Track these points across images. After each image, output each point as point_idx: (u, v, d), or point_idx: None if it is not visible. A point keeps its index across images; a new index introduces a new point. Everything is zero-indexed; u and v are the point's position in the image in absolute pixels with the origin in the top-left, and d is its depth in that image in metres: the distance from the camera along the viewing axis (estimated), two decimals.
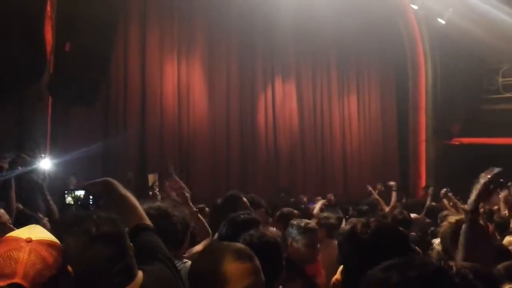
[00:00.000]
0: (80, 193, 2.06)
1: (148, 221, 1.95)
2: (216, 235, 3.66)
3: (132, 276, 1.61)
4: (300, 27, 11.25)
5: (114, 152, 8.90)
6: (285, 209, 4.51)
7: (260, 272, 1.51)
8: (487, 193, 2.42)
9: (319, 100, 12.72)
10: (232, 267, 1.45)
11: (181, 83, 10.05)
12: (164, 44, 9.77)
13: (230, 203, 3.88)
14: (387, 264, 1.17)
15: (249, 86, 11.31)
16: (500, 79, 13.65)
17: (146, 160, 9.21)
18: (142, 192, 5.54)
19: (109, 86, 8.83)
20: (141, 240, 1.81)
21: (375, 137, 13.76)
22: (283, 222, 3.96)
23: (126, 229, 1.71)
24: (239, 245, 1.58)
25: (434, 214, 5.90)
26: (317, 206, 6.57)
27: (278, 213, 4.43)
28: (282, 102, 11.88)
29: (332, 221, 4.51)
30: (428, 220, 6.29)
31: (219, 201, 4.25)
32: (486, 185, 2.42)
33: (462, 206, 6.96)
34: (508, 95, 13.45)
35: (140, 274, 1.65)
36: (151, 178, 6.99)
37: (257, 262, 1.52)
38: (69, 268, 1.42)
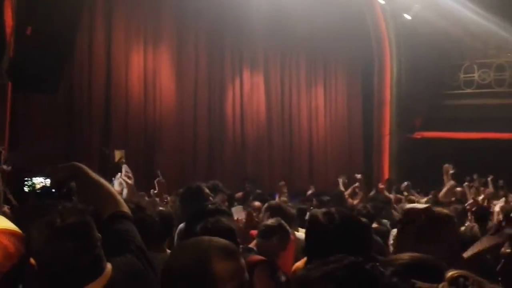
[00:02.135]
0: (40, 180, 1.92)
1: (125, 208, 1.84)
2: (180, 226, 3.66)
3: (100, 269, 1.55)
4: (269, 19, 11.23)
5: (78, 141, 8.71)
6: (273, 202, 4.53)
7: (245, 270, 1.46)
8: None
9: (287, 92, 12.78)
10: (220, 267, 1.39)
11: (148, 70, 9.90)
12: (131, 30, 9.58)
13: (192, 194, 3.87)
14: (314, 263, 1.19)
15: (218, 76, 11.25)
16: (462, 75, 14.07)
17: (110, 149, 9.04)
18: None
19: (72, 73, 8.61)
20: (115, 229, 1.73)
21: (340, 130, 13.96)
22: (273, 214, 3.98)
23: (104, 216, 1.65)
24: (224, 241, 1.48)
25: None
26: (277, 197, 6.63)
27: (266, 205, 4.43)
28: (250, 93, 11.88)
29: (292, 211, 4.50)
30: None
31: (180, 191, 4.22)
32: None
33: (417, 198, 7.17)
34: (469, 90, 13.89)
35: (109, 267, 1.59)
36: (118, 154, 6.84)
37: (242, 260, 1.46)
38: (32, 260, 1.38)
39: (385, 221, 5.52)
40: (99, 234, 1.59)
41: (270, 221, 3.46)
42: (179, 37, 10.42)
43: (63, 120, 8.61)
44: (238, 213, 4.12)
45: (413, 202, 6.52)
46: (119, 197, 1.88)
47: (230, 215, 3.09)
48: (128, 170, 4.30)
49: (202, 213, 3.01)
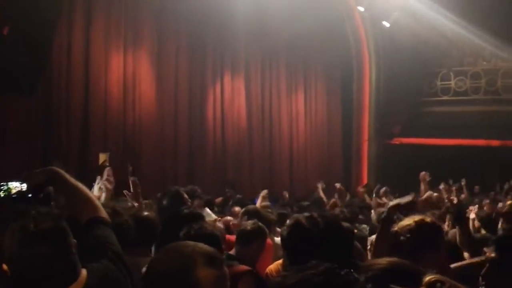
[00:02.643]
0: (16, 185, 1.86)
1: (104, 213, 1.82)
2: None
3: (74, 275, 1.52)
4: (250, 24, 11.28)
5: (55, 145, 8.55)
6: (251, 207, 4.52)
7: (228, 278, 1.45)
8: (407, 207, 2.59)
9: (267, 98, 12.82)
10: (204, 273, 1.38)
11: (127, 73, 9.80)
12: (110, 33, 9.47)
13: (170, 199, 3.84)
14: (290, 269, 1.20)
15: (198, 80, 11.21)
16: (439, 83, 14.34)
17: (88, 153, 8.91)
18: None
19: (50, 74, 8.45)
20: (93, 234, 1.71)
21: (320, 136, 14.06)
22: (250, 219, 3.96)
23: (82, 222, 1.62)
24: (208, 248, 1.47)
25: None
26: (259, 200, 6.61)
27: (243, 209, 4.41)
28: (230, 98, 11.87)
29: (271, 216, 4.49)
30: (361, 217, 6.49)
31: (158, 195, 4.18)
32: (411, 203, 2.59)
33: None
34: (445, 98, 14.15)
35: (84, 273, 1.56)
36: (102, 157, 6.73)
37: (226, 268, 1.45)
38: (5, 266, 1.34)
39: (364, 226, 5.56)
40: (74, 240, 1.57)
41: (248, 225, 3.42)
42: (159, 40, 10.35)
43: (40, 123, 8.44)
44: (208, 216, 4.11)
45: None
46: (97, 202, 1.87)
47: (204, 220, 3.07)
48: (110, 174, 4.24)
49: (178, 218, 2.99)
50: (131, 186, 3.75)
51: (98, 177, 4.99)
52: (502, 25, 13.78)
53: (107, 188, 3.78)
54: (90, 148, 8.96)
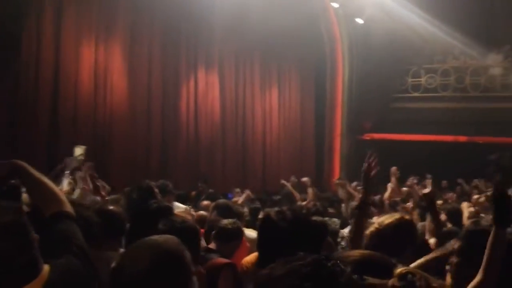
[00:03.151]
0: None
1: (68, 208, 1.78)
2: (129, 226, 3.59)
3: (36, 271, 1.49)
4: (226, 19, 11.21)
5: (23, 139, 8.35)
6: (221, 201, 4.54)
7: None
8: (370, 182, 2.66)
9: (241, 92, 12.82)
10: (188, 259, 1.46)
11: (99, 66, 9.63)
12: (82, 24, 9.29)
13: (142, 194, 3.82)
14: (277, 261, 1.24)
15: (172, 73, 11.11)
16: (410, 80, 14.60)
17: (58, 146, 8.73)
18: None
19: (18, 67, 8.25)
20: (57, 229, 1.68)
21: (293, 131, 14.15)
22: (220, 213, 3.96)
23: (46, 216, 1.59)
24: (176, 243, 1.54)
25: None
26: (242, 199, 6.68)
27: (213, 204, 4.41)
28: (204, 92, 11.82)
29: (238, 209, 4.51)
30: (331, 211, 6.61)
31: (128, 190, 4.14)
32: (365, 174, 2.67)
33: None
34: (416, 94, 14.43)
35: (46, 268, 1.52)
36: (78, 150, 6.55)
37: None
38: None
39: (334, 219, 5.65)
40: (36, 234, 1.53)
41: (228, 224, 3.45)
42: (132, 32, 10.21)
43: (7, 116, 8.23)
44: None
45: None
46: (62, 196, 1.83)
47: (173, 214, 3.07)
48: (91, 169, 4.16)
49: (147, 212, 2.98)
50: (89, 180, 3.70)
51: (67, 172, 4.91)
52: (472, 24, 14.12)
53: (85, 186, 3.69)
54: (59, 142, 8.78)
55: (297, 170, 12.28)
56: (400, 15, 12.78)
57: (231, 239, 3.37)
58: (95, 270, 1.70)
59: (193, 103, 11.55)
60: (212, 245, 3.37)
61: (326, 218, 5.49)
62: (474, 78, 13.95)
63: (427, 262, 2.57)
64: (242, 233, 3.50)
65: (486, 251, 1.95)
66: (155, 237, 1.56)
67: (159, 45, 10.74)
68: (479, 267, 1.98)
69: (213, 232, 3.45)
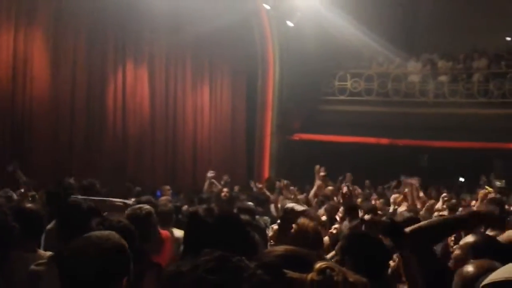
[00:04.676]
0: None
1: None
2: (53, 224, 3.46)
3: None
4: (156, 14, 11.02)
5: None
6: (143, 198, 4.46)
7: None
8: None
9: (172, 89, 12.61)
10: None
11: (18, 55, 9.07)
12: (0, 9, 8.72)
13: (62, 191, 3.69)
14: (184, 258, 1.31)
15: (99, 67, 10.71)
16: (337, 83, 15.15)
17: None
18: None
19: None
20: None
21: (225, 129, 14.17)
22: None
23: None
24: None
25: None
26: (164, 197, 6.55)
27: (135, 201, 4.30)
28: (133, 87, 11.50)
29: (164, 208, 4.48)
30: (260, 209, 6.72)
31: (49, 188, 3.99)
32: None
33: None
34: (342, 97, 15.00)
35: None
36: None
37: None
38: None
39: (265, 218, 5.76)
40: None
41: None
42: (56, 22, 9.72)
43: None
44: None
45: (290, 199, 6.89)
46: None
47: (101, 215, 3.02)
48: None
49: (75, 212, 2.89)
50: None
51: None
52: (396, 33, 14.94)
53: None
54: None
55: (228, 169, 12.32)
56: (329, 21, 13.23)
57: (147, 239, 3.32)
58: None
59: (120, 98, 11.20)
60: None
61: (257, 217, 5.60)
62: (395, 84, 14.74)
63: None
64: (157, 232, 3.45)
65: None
66: (97, 232, 1.64)
67: (85, 36, 10.30)
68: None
69: None
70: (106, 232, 1.63)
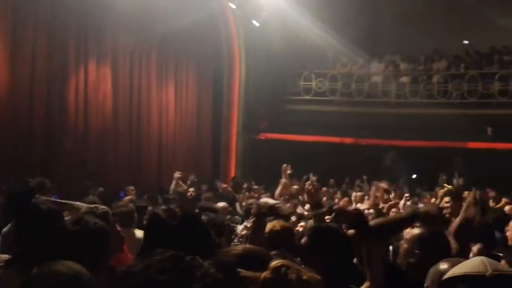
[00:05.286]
0: None
1: None
2: (8, 227, 3.36)
3: None
4: (120, 8, 10.80)
5: None
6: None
7: None
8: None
9: (136, 87, 12.39)
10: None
11: None
12: None
13: (18, 192, 3.58)
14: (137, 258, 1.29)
15: (59, 63, 10.39)
16: (302, 83, 15.29)
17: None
18: None
19: None
20: None
21: (190, 128, 14.06)
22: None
23: None
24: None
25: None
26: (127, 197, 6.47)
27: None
28: (95, 84, 11.22)
29: (123, 209, 4.39)
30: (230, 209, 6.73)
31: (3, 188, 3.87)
32: None
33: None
34: (307, 97, 15.15)
35: None
36: None
37: None
38: None
39: (236, 217, 5.77)
40: None
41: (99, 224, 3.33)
42: (14, 17, 9.40)
43: None
44: None
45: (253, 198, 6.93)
46: None
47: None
48: None
49: (34, 214, 2.81)
50: None
51: None
52: (360, 34, 15.20)
53: None
54: None
55: (193, 168, 12.24)
56: (294, 21, 13.33)
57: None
58: None
59: (82, 95, 10.92)
60: None
61: (228, 216, 5.61)
62: (358, 84, 14.99)
63: None
64: (117, 233, 3.39)
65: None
66: (59, 266, 1.59)
67: (45, 32, 10.00)
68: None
69: None
70: (67, 264, 1.60)
